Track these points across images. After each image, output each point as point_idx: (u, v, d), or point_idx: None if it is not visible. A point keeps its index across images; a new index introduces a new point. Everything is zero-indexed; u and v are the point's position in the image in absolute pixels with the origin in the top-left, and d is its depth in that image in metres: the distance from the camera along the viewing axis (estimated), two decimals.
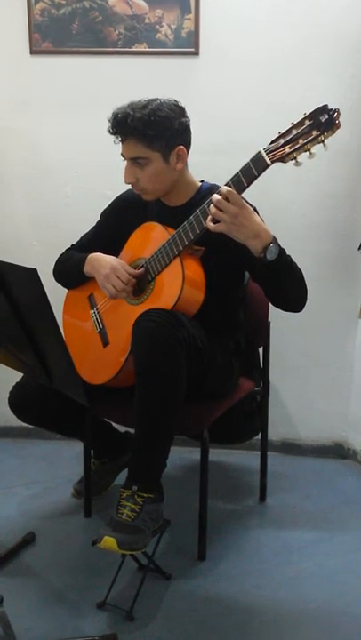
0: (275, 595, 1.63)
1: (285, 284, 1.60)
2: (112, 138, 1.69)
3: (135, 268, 1.75)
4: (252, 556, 1.80)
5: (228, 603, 1.59)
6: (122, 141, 1.67)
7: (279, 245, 1.53)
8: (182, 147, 1.68)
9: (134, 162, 1.67)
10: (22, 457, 2.41)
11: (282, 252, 1.54)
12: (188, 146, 1.71)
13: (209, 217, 1.52)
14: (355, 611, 1.57)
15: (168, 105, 1.65)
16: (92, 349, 1.81)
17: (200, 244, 1.63)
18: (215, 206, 1.49)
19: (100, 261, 1.77)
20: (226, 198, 1.48)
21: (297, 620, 1.54)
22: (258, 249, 1.51)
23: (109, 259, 1.76)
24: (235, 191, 1.48)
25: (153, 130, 1.62)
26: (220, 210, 1.48)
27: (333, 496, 2.15)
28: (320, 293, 2.31)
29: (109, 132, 1.67)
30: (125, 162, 1.70)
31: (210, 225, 1.52)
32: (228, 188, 1.49)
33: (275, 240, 1.52)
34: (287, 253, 1.57)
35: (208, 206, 1.55)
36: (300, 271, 1.62)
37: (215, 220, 1.51)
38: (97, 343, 1.80)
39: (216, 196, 1.49)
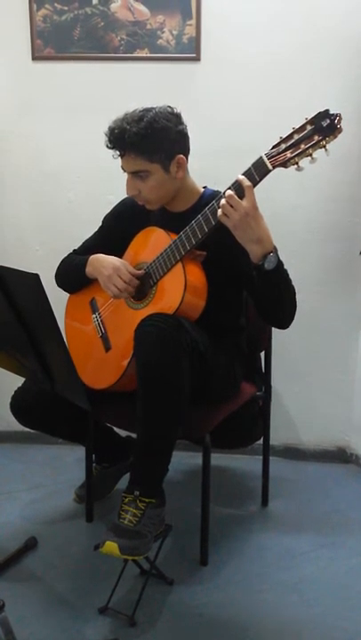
0: (278, 599, 1.62)
1: (278, 297, 1.58)
2: None
3: None
4: (255, 560, 1.79)
5: (230, 608, 1.59)
6: (121, 156, 1.66)
7: (278, 257, 1.52)
8: (182, 155, 1.66)
9: (135, 175, 1.66)
10: (24, 462, 2.41)
11: (280, 264, 1.52)
12: (187, 152, 1.69)
13: (219, 210, 1.49)
14: (358, 615, 1.56)
15: (164, 114, 1.62)
16: (94, 354, 1.81)
17: (202, 248, 1.63)
18: (227, 201, 1.47)
19: (101, 262, 1.77)
20: (241, 194, 1.45)
21: (300, 625, 1.53)
22: (257, 255, 1.50)
23: (111, 259, 1.76)
24: (252, 189, 1.46)
25: (151, 143, 1.60)
26: (231, 205, 1.47)
27: (336, 501, 2.15)
28: (322, 297, 2.32)
29: (107, 146, 1.65)
30: (125, 174, 1.69)
31: (218, 212, 1.49)
32: (250, 183, 1.46)
33: (275, 250, 1.51)
34: (285, 267, 1.55)
35: (209, 211, 1.55)
36: (294, 288, 1.60)
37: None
38: (99, 348, 1.80)
39: (229, 192, 1.47)
